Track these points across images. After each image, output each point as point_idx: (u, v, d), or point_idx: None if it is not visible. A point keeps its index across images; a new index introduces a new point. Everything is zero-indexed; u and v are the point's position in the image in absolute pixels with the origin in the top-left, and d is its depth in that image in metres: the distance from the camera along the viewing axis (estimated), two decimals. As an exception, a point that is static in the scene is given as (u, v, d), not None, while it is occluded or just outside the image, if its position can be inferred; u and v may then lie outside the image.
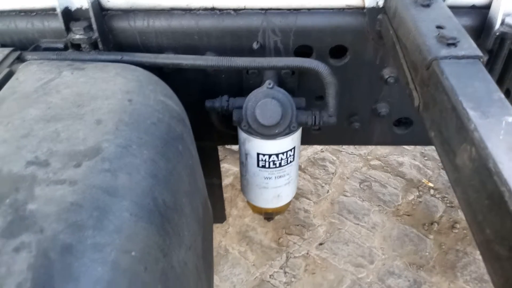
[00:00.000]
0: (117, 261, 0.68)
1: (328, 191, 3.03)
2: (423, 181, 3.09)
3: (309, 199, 2.97)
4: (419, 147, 3.29)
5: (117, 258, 0.68)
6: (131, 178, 0.79)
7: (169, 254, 0.82)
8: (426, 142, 1.47)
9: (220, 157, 2.58)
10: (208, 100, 1.27)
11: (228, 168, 3.17)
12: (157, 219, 0.79)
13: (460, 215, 2.84)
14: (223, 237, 2.74)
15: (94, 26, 1.13)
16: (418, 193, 3.00)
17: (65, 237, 0.66)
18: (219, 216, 1.84)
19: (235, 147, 3.28)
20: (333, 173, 3.16)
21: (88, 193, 0.73)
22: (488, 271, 0.63)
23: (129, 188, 0.78)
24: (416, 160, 3.24)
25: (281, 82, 1.27)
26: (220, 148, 2.05)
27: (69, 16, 1.15)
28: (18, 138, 0.83)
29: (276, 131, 1.20)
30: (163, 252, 0.79)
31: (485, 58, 1.17)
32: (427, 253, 2.64)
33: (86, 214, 0.70)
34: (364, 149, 3.33)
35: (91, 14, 1.12)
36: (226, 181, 3.07)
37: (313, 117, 1.22)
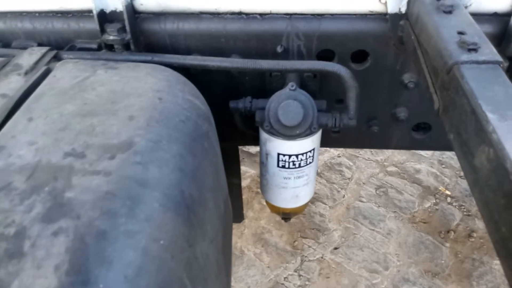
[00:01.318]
0: (147, 247, 0.72)
1: (344, 196, 3.04)
2: (440, 188, 3.08)
3: (325, 204, 2.99)
4: (436, 155, 3.28)
5: (147, 245, 0.72)
6: (161, 171, 0.84)
7: (194, 245, 0.86)
8: (444, 147, 1.48)
9: (238, 159, 2.62)
10: (232, 101, 1.31)
11: (246, 171, 3.21)
12: (183, 211, 0.83)
13: (477, 224, 2.82)
14: (239, 238, 2.78)
15: (127, 28, 1.19)
16: (434, 201, 2.99)
17: (100, 224, 0.71)
18: (237, 215, 1.88)
19: (252, 150, 3.32)
20: (349, 178, 3.17)
21: (121, 184, 0.78)
22: (504, 269, 0.65)
23: (158, 180, 0.82)
24: (433, 168, 3.23)
25: (303, 85, 1.31)
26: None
27: (104, 18, 1.21)
28: (56, 131, 0.88)
29: (297, 132, 1.23)
30: (188, 242, 0.83)
31: (506, 64, 1.18)
32: (442, 261, 2.62)
33: (119, 203, 0.75)
34: (380, 155, 3.33)
35: (125, 16, 1.18)
36: (243, 183, 3.11)
37: (334, 119, 1.25)
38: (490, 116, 0.70)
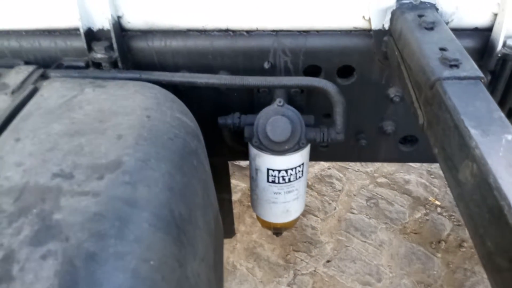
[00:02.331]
0: (137, 269, 0.71)
1: (335, 208, 3.05)
2: (430, 199, 3.10)
3: (316, 216, 2.99)
4: (425, 165, 3.31)
5: (137, 266, 0.72)
6: (150, 190, 0.83)
7: (184, 265, 0.85)
8: (431, 159, 1.50)
9: (229, 173, 2.62)
10: (221, 117, 1.32)
11: (236, 184, 3.21)
12: (173, 230, 0.83)
13: (468, 233, 2.83)
14: (231, 253, 2.76)
15: (115, 46, 1.20)
16: (425, 211, 3.01)
17: (89, 246, 0.70)
18: (229, 230, 1.87)
19: (243, 163, 3.32)
20: (340, 190, 3.18)
21: (110, 204, 0.77)
22: (491, 283, 0.66)
23: (148, 200, 0.82)
24: (422, 178, 3.25)
25: (290, 100, 1.32)
26: (228, 164, 2.09)
27: (91, 36, 1.21)
28: (43, 152, 0.88)
29: (286, 147, 1.24)
30: (179, 262, 0.83)
31: (487, 79, 1.21)
32: (435, 272, 2.63)
33: (108, 224, 0.74)
34: (370, 167, 3.35)
35: (112, 34, 1.19)
36: (234, 197, 3.10)
37: (322, 134, 1.26)
38: (473, 131, 0.71)
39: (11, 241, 0.70)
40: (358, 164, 3.37)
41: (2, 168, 0.84)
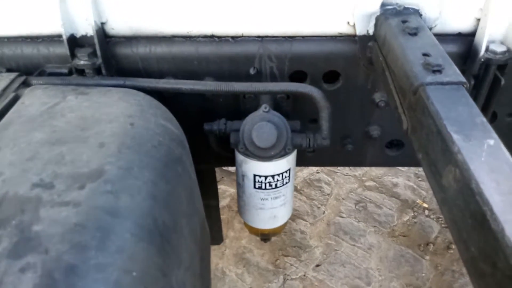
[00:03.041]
0: (118, 281, 0.70)
1: (324, 212, 3.05)
2: (417, 201, 3.12)
3: (305, 220, 2.99)
4: (413, 168, 3.33)
5: (119, 278, 0.70)
6: (132, 199, 0.82)
7: (169, 274, 0.84)
8: (418, 163, 1.51)
9: (217, 179, 2.60)
10: (207, 123, 1.31)
11: (225, 190, 3.19)
12: (157, 240, 0.82)
13: (455, 235, 2.86)
14: (220, 259, 2.74)
15: (98, 52, 1.18)
16: (413, 214, 3.03)
17: (69, 258, 0.69)
18: (216, 237, 1.85)
19: (232, 169, 3.31)
20: (328, 194, 3.19)
21: (91, 214, 0.76)
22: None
23: (130, 209, 0.80)
24: (410, 181, 3.28)
25: (276, 106, 1.32)
26: (217, 169, 2.08)
27: (74, 42, 1.20)
28: (23, 161, 0.86)
29: (272, 153, 1.23)
30: (162, 272, 0.81)
31: (470, 84, 1.22)
32: (423, 274, 2.64)
33: (89, 234, 0.73)
34: (359, 170, 3.37)
35: (96, 41, 1.17)
36: (223, 202, 3.09)
37: (308, 139, 1.26)
38: (455, 136, 0.72)
39: (-12, 254, 0.68)
40: (346, 168, 3.38)
41: (-20, 178, 0.82)
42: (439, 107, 0.79)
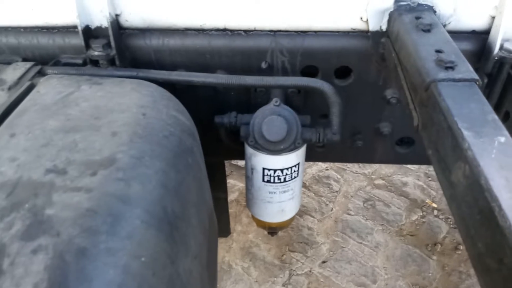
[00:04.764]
0: (128, 265, 0.71)
1: (332, 209, 3.05)
2: (426, 201, 3.10)
3: (313, 217, 2.99)
4: (423, 168, 3.31)
5: (128, 263, 0.72)
6: (143, 187, 0.83)
7: (176, 262, 0.85)
8: (428, 161, 1.50)
9: (226, 173, 2.62)
10: (217, 116, 1.32)
11: (234, 184, 3.21)
12: (166, 227, 0.83)
13: (464, 236, 2.84)
14: (227, 252, 2.76)
15: (113, 43, 1.20)
16: (421, 214, 3.01)
17: (80, 241, 0.70)
18: (224, 229, 1.87)
19: (241, 163, 3.32)
20: (337, 191, 3.18)
21: (103, 200, 0.77)
22: (480, 284, 0.66)
23: (141, 197, 0.82)
24: (420, 181, 3.26)
25: (287, 100, 1.32)
26: (226, 163, 2.10)
27: (89, 33, 1.21)
28: (38, 147, 0.88)
29: (282, 146, 1.24)
30: (170, 259, 0.83)
31: (484, 82, 1.21)
32: (430, 274, 2.63)
33: (100, 220, 0.74)
34: (368, 168, 3.35)
35: (110, 32, 1.19)
36: (231, 196, 3.10)
37: (318, 134, 1.26)
38: (466, 133, 0.71)
39: (2, 235, 0.70)
40: (355, 165, 3.37)
41: (-4, 162, 0.84)
42: (450, 104, 0.78)
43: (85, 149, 0.87)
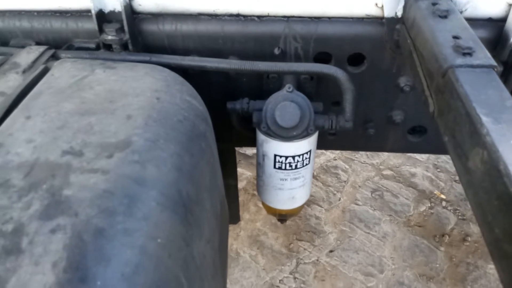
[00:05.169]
0: (144, 246, 0.72)
1: (339, 199, 3.05)
2: (435, 192, 3.09)
3: (320, 206, 3.00)
4: (432, 159, 3.30)
5: (145, 243, 0.72)
6: (158, 170, 0.84)
7: (191, 244, 0.86)
8: (440, 150, 1.50)
9: (235, 161, 2.63)
10: (229, 102, 1.32)
11: (242, 172, 3.22)
12: (181, 210, 0.84)
13: (472, 228, 2.83)
14: (235, 240, 2.77)
15: (126, 28, 1.19)
16: (430, 205, 3.01)
17: (97, 221, 0.71)
18: (234, 216, 1.88)
19: (249, 152, 3.33)
20: (345, 181, 3.18)
21: (119, 182, 0.78)
22: (497, 270, 0.66)
23: (156, 179, 0.82)
24: (428, 172, 3.24)
25: (299, 87, 1.32)
26: (235, 151, 2.10)
27: (103, 18, 1.21)
28: (54, 129, 0.88)
29: (294, 133, 1.24)
30: (185, 241, 0.84)
31: (500, 69, 1.20)
32: (437, 265, 2.64)
33: (117, 201, 0.75)
34: (376, 159, 3.35)
35: (124, 17, 1.18)
36: (239, 185, 3.11)
37: (330, 121, 1.26)
38: (484, 119, 0.71)
39: (20, 215, 0.71)
40: (364, 155, 3.37)
41: (13, 144, 0.85)
42: (468, 90, 0.78)
43: (101, 132, 0.88)
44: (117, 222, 0.72)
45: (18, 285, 0.62)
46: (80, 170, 0.79)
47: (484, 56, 0.88)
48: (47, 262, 0.65)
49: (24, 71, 1.11)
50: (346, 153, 3.37)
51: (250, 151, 3.36)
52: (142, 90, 1.02)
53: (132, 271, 0.68)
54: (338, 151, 3.37)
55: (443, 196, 3.06)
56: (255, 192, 3.04)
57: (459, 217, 2.92)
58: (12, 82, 1.06)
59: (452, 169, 3.21)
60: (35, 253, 0.66)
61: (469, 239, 2.77)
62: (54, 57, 1.19)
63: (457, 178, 3.17)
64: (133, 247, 0.71)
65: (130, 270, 0.68)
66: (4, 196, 0.74)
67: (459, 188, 3.08)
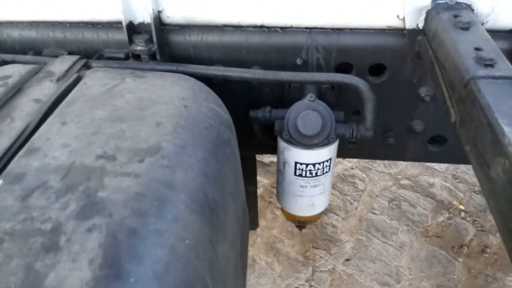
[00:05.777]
0: (174, 246, 0.76)
1: (356, 208, 3.05)
2: (454, 203, 3.06)
3: (337, 215, 3.00)
4: (450, 169, 3.27)
5: (174, 244, 0.76)
6: (186, 174, 0.88)
7: (216, 246, 0.89)
8: (459, 160, 1.50)
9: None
10: (252, 110, 1.35)
11: (259, 180, 3.24)
12: (207, 213, 0.87)
13: (491, 239, 2.79)
14: (251, 246, 2.79)
15: (154, 39, 1.24)
16: (448, 215, 2.98)
17: (130, 222, 0.75)
18: (253, 222, 1.91)
19: (266, 160, 3.36)
20: (362, 190, 3.18)
21: (150, 185, 0.82)
22: (518, 277, 0.67)
23: (184, 183, 0.86)
24: (447, 182, 3.22)
25: (321, 96, 1.34)
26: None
27: (132, 29, 1.26)
28: (88, 135, 0.93)
29: (315, 141, 1.26)
30: (211, 243, 0.87)
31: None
32: (455, 276, 2.60)
33: (148, 203, 0.79)
34: (394, 168, 3.33)
35: (153, 28, 1.24)
36: (256, 192, 3.14)
37: (351, 130, 1.28)
38: (506, 129, 0.72)
39: (58, 214, 0.75)
40: (381, 165, 3.36)
41: (50, 148, 0.90)
42: (490, 100, 0.79)
43: (132, 138, 0.92)
44: (148, 223, 0.76)
45: (57, 280, 0.66)
46: (113, 174, 0.83)
47: (506, 67, 0.89)
48: (84, 259, 0.69)
49: (58, 80, 1.16)
50: (364, 162, 3.37)
51: (267, 158, 3.39)
52: (170, 98, 1.06)
53: (163, 270, 0.71)
54: (355, 160, 3.37)
55: (462, 207, 3.03)
56: (272, 200, 3.07)
57: (478, 228, 2.89)
58: (47, 89, 1.11)
59: (471, 180, 3.18)
60: (72, 251, 0.70)
61: (488, 250, 2.73)
62: (86, 66, 1.24)
63: (476, 188, 3.13)
64: (164, 247, 0.74)
65: (161, 268, 0.71)
66: (43, 197, 0.78)
67: (478, 199, 3.05)
